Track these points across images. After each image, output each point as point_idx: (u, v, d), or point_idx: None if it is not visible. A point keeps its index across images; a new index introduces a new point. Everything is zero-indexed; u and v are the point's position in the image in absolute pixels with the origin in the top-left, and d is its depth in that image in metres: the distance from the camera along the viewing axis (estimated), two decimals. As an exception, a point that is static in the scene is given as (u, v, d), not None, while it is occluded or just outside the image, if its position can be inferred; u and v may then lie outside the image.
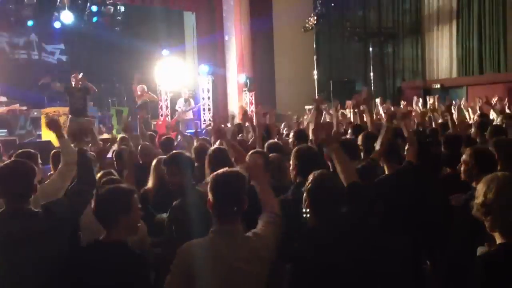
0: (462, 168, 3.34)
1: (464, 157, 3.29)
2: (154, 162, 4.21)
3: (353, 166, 3.26)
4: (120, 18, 15.26)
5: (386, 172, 4.29)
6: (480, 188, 2.04)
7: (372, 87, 16.35)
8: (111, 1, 14.57)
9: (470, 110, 8.09)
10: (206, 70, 14.65)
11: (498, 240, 2.00)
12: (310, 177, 2.67)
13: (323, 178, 2.66)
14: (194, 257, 2.23)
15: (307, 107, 14.80)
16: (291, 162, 3.48)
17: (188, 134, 7.23)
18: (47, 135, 8.94)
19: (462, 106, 8.07)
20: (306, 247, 2.58)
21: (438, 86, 15.42)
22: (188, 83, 14.91)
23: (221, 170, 2.39)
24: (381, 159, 4.36)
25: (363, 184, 3.10)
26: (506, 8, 14.48)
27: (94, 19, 14.78)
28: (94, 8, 14.54)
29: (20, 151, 4.19)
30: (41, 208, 2.64)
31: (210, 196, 2.31)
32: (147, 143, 5.47)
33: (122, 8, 15.23)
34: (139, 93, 12.69)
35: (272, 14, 16.74)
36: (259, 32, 16.24)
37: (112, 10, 14.81)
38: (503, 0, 14.47)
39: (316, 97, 13.69)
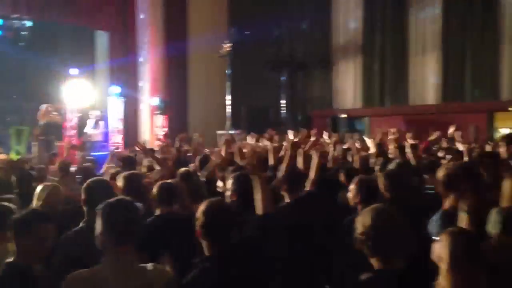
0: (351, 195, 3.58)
1: (351, 185, 3.53)
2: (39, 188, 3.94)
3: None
4: (25, 33, 14.54)
5: (286, 200, 4.43)
6: (360, 219, 2.19)
7: (284, 115, 16.88)
8: (16, 15, 13.85)
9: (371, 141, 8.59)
10: (117, 91, 14.34)
11: (376, 266, 2.15)
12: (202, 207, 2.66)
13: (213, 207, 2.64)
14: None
15: (219, 132, 14.94)
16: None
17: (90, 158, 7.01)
18: None
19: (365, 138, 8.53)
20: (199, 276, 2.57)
21: (344, 115, 16.24)
22: (98, 104, 14.47)
23: (114, 198, 2.35)
24: (283, 187, 4.50)
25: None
26: (406, 45, 15.67)
27: (-2, 33, 13.97)
28: (-3, 22, 13.77)
29: None
30: None
31: (98, 224, 2.25)
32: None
33: (29, 23, 14.53)
34: (41, 113, 12.12)
35: (188, 39, 16.84)
36: (174, 56, 16.23)
37: (17, 24, 14.09)
38: (403, 38, 15.66)
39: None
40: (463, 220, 2.62)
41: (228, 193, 3.54)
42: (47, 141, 11.20)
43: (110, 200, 2.32)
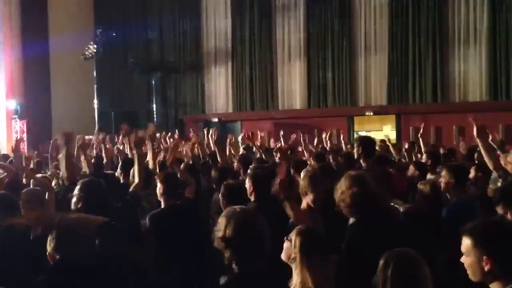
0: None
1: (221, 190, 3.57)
2: None
3: None
4: None
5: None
6: (221, 222, 2.18)
7: (155, 119, 16.55)
8: None
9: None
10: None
11: (235, 269, 2.16)
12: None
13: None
14: None
15: (87, 137, 14.14)
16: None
17: None
18: None
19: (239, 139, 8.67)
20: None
21: (216, 119, 16.43)
22: None
23: None
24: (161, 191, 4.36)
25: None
26: (272, 52, 16.33)
27: None
28: None
29: None
30: None
31: None
32: None
33: None
34: None
35: (49, 39, 15.74)
36: (33, 57, 15.03)
37: None
38: (270, 45, 16.30)
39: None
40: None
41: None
42: None
43: None
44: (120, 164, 5.12)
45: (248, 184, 3.92)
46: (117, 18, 16.72)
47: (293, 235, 2.29)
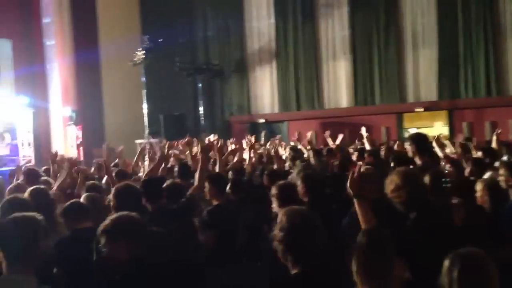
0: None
1: (272, 190, 3.58)
2: None
3: None
4: None
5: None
6: (280, 221, 2.20)
7: (202, 121, 16.80)
8: None
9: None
10: (25, 102, 13.53)
11: (294, 269, 2.17)
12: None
13: None
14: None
15: (137, 141, 14.57)
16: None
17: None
18: None
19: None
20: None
21: (263, 120, 16.49)
22: (4, 116, 13.56)
23: (14, 214, 2.23)
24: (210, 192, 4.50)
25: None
26: (317, 51, 16.24)
27: None
28: None
29: None
30: None
31: None
32: None
33: None
34: None
35: (99, 46, 16.28)
36: (85, 64, 15.61)
37: None
38: (315, 43, 16.21)
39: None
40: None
41: None
42: None
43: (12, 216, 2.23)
44: (178, 168, 5.25)
45: (300, 185, 3.94)
46: (163, 24, 17.07)
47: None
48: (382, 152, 6.34)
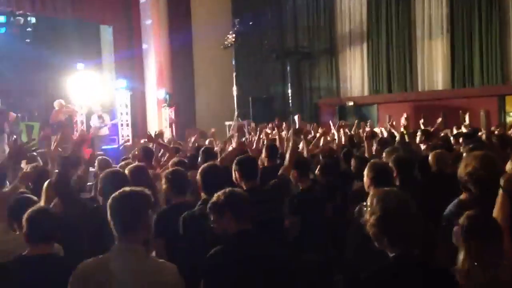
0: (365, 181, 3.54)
1: (365, 171, 3.48)
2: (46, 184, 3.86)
3: None
4: (30, 29, 14.55)
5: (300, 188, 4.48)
6: (372, 204, 2.12)
7: (290, 104, 16.79)
8: (20, 12, 13.85)
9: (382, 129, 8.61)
10: (124, 85, 14.33)
11: (390, 253, 2.09)
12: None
13: None
14: (88, 279, 2.20)
15: (227, 123, 14.92)
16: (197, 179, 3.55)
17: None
18: None
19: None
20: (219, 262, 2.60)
21: (352, 103, 16.13)
22: (105, 98, 14.49)
23: (126, 188, 2.37)
24: (294, 175, 4.52)
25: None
26: (411, 31, 15.52)
27: (2, 30, 13.98)
28: (2, 19, 13.77)
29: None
30: None
31: (109, 213, 2.30)
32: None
33: (33, 20, 14.53)
34: (56, 108, 12.20)
35: (192, 30, 16.76)
36: (179, 48, 16.17)
37: (22, 21, 14.10)
38: (409, 23, 15.50)
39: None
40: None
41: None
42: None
43: (119, 191, 2.36)
44: (265, 148, 5.29)
45: (391, 167, 3.81)
46: (253, 7, 17.19)
47: (461, 219, 2.20)
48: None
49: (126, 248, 2.27)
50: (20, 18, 13.95)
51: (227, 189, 2.77)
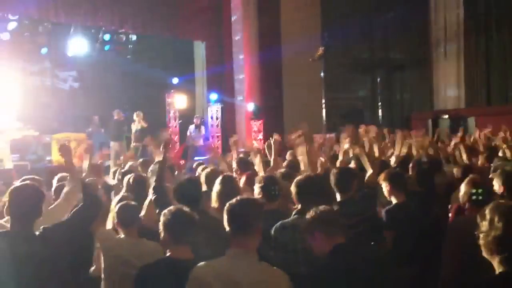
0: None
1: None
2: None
3: None
4: (131, 46, 15.59)
5: (394, 201, 4.35)
6: (490, 219, 2.02)
7: (380, 117, 16.42)
8: (123, 30, 14.90)
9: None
10: (215, 98, 14.85)
11: (497, 268, 2.00)
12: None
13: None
14: (207, 281, 2.34)
15: (315, 135, 14.86)
16: (291, 190, 3.58)
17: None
18: (57, 160, 9.05)
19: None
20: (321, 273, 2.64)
21: (446, 116, 15.43)
22: (198, 111, 15.11)
23: (239, 197, 2.56)
24: (387, 188, 4.41)
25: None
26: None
27: (106, 47, 15.11)
28: (107, 37, 14.90)
29: (25, 177, 4.29)
30: (39, 232, 2.79)
31: (225, 220, 2.46)
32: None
33: (134, 37, 15.57)
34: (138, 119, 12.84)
35: (281, 45, 16.98)
36: (268, 61, 16.45)
37: (124, 39, 15.16)
38: (510, 34, 14.61)
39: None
40: None
41: None
42: (143, 147, 11.77)
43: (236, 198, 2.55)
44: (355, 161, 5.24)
45: (497, 183, 3.62)
46: (341, 20, 17.10)
47: None
48: None
49: (242, 252, 2.40)
50: (122, 36, 15.01)
51: (314, 210, 2.80)
